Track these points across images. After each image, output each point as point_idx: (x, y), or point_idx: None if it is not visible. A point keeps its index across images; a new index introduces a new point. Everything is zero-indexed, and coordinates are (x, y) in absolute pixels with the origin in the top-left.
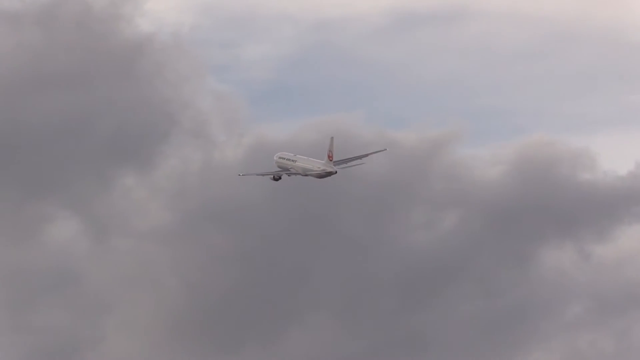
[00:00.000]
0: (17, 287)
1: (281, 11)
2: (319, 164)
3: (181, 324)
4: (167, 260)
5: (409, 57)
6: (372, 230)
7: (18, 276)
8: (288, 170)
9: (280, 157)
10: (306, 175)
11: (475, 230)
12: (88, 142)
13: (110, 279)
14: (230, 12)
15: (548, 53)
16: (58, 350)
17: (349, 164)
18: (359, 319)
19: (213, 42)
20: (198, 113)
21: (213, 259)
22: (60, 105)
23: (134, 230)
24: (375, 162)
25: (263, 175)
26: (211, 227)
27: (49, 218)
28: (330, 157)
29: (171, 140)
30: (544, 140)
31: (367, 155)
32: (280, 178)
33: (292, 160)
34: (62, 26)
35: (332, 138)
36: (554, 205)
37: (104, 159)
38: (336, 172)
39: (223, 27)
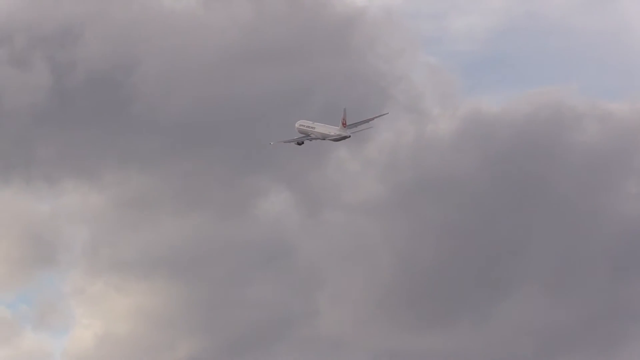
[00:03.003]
0: (231, 261)
1: None
2: (335, 130)
3: (393, 297)
4: (379, 233)
5: (619, 25)
6: (586, 201)
7: (232, 251)
8: (308, 135)
9: (301, 125)
10: (324, 139)
11: None
12: (301, 117)
13: (322, 253)
14: None
15: None
16: (272, 324)
17: (358, 127)
18: (572, 291)
19: (422, 15)
20: (412, 86)
21: (425, 231)
22: (273, 80)
23: (346, 203)
24: (589, 133)
25: (289, 142)
26: (423, 199)
27: (262, 192)
28: (344, 124)
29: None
30: None
31: (372, 119)
32: (303, 143)
33: (312, 127)
34: (273, 1)
35: (344, 109)
36: None
37: None
38: (350, 136)
39: None
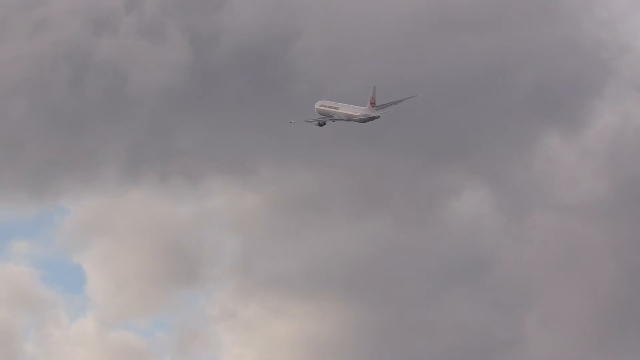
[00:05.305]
0: (415, 276)
1: None
2: (361, 110)
3: (617, 317)
4: (599, 240)
5: None
6: None
7: (417, 263)
8: (331, 116)
9: (321, 105)
10: (349, 120)
11: None
12: (503, 96)
13: (529, 265)
14: None
15: None
16: (467, 353)
17: (386, 109)
18: None
19: None
20: (638, 58)
21: None
22: (468, 54)
23: (559, 203)
24: None
25: (310, 122)
26: None
27: (454, 190)
28: (372, 104)
29: (605, 93)
30: None
31: (401, 100)
32: (325, 124)
33: (334, 108)
34: None
35: (374, 87)
36: None
37: (522, 117)
38: (379, 116)
39: None
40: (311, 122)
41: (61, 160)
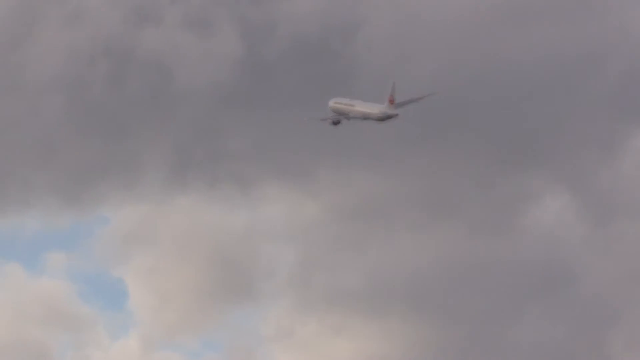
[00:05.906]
0: (491, 290)
1: None
2: (379, 107)
3: None
4: None
5: None
6: None
7: (492, 275)
8: (346, 114)
9: (336, 102)
10: (366, 119)
11: None
12: (587, 92)
13: (616, 277)
14: None
15: None
16: None
17: (404, 107)
18: None
19: None
20: None
21: None
22: (551, 43)
23: None
24: None
25: (324, 120)
26: None
27: (533, 195)
28: (391, 101)
29: None
30: None
31: (422, 98)
32: (339, 122)
33: (350, 105)
34: None
35: (393, 83)
36: None
37: (609, 115)
38: (397, 114)
39: None
40: (325, 120)
41: (101, 164)
